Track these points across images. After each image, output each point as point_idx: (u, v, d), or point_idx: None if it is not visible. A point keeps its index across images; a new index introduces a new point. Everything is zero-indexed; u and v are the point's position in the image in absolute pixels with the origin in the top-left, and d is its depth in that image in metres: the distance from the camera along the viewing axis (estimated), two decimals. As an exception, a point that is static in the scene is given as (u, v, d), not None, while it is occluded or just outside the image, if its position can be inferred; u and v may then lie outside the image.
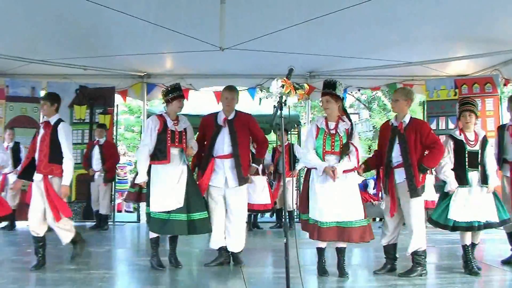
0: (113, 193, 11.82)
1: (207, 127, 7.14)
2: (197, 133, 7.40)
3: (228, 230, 6.94)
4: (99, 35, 8.91)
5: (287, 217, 5.01)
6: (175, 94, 6.88)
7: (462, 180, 6.51)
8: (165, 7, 7.57)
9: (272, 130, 13.06)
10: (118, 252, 8.54)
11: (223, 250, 7.01)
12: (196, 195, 6.75)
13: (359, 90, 12.62)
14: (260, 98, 12.74)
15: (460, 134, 6.60)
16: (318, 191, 6.21)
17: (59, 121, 6.78)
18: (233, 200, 6.90)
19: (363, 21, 8.11)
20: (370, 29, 8.53)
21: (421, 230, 6.36)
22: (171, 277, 6.41)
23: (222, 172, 6.88)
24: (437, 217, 6.59)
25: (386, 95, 23.86)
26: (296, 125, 13.30)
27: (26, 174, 6.98)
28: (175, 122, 6.83)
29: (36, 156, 6.70)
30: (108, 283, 6.19)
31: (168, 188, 6.60)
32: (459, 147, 6.56)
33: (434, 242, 8.77)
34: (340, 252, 6.35)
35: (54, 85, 11.64)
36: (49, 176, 6.61)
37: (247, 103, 13.01)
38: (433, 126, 10.98)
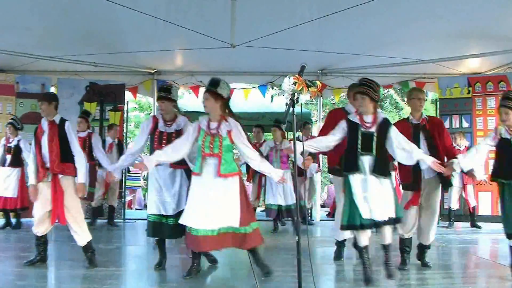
0: (123, 190, 11.80)
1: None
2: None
3: None
4: (110, 32, 8.90)
5: (298, 215, 4.92)
6: (158, 95, 6.72)
7: None
8: (176, 4, 7.55)
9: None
10: (128, 249, 8.51)
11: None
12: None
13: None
14: (272, 96, 12.70)
15: None
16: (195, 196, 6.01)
17: (63, 119, 6.78)
18: None
19: (376, 18, 8.06)
20: (382, 27, 8.48)
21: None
22: (181, 275, 6.37)
23: None
24: None
25: (398, 93, 23.69)
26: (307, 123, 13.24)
27: None
28: (169, 123, 6.55)
29: (47, 156, 6.67)
30: (118, 280, 6.16)
31: (157, 191, 6.44)
32: None
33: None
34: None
35: (64, 82, 11.67)
36: (60, 176, 6.59)
37: (258, 100, 12.99)
38: (446, 124, 10.86)
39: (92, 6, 7.64)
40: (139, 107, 25.25)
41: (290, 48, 9.15)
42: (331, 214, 12.10)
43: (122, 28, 8.75)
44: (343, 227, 6.01)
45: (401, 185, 6.94)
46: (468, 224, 10.89)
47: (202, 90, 11.97)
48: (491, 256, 7.99)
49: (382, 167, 5.84)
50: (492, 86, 11.02)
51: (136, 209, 17.11)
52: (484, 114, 11.22)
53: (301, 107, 4.89)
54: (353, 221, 5.81)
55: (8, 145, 10.03)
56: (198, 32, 8.18)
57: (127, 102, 12.48)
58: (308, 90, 4.75)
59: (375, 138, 5.82)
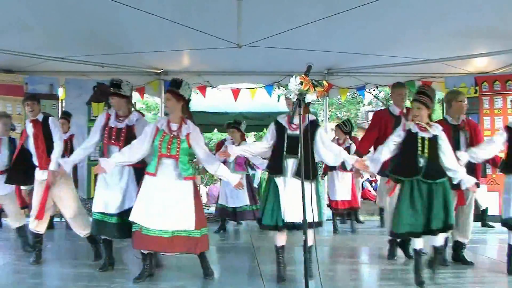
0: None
1: None
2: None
3: None
4: (116, 32, 8.92)
5: (305, 213, 4.93)
6: (111, 90, 6.55)
7: None
8: (182, 4, 7.56)
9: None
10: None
11: None
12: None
13: (377, 88, 12.50)
14: (278, 95, 12.71)
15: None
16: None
17: (46, 116, 6.98)
18: None
19: (382, 18, 8.05)
20: (388, 26, 8.46)
21: None
22: (192, 274, 6.39)
23: None
24: None
25: (404, 93, 23.64)
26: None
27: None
28: (122, 118, 6.48)
29: (34, 154, 6.76)
30: (125, 278, 6.20)
31: (104, 188, 6.34)
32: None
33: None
34: None
35: (72, 82, 11.71)
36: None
37: (264, 100, 13.00)
38: (452, 124, 10.88)
39: (99, 7, 7.65)
40: (146, 108, 25.31)
41: (296, 48, 9.16)
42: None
43: (128, 29, 8.77)
44: (263, 227, 6.07)
45: None
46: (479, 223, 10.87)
47: (209, 90, 12.06)
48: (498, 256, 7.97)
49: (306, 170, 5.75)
50: (499, 85, 11.01)
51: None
52: (491, 113, 11.20)
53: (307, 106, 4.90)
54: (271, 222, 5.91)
55: None
56: (204, 32, 8.20)
57: (135, 102, 12.49)
58: (314, 89, 4.79)
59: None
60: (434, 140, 5.96)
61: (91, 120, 11.60)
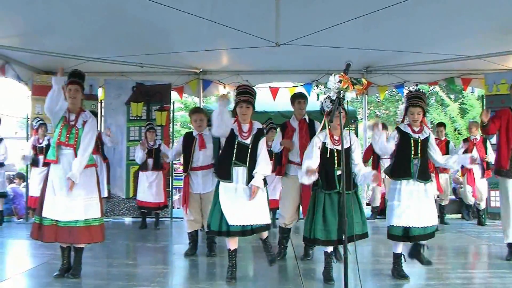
0: (170, 189, 11.89)
1: None
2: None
3: None
4: (156, 32, 8.98)
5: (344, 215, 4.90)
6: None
7: None
8: (220, 4, 7.57)
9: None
10: (175, 248, 8.57)
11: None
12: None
13: (416, 85, 12.37)
14: (317, 94, 12.65)
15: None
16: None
17: None
18: None
19: (420, 15, 7.96)
20: (427, 23, 8.36)
21: None
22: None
23: None
24: None
25: (444, 90, 23.33)
26: (353, 121, 13.13)
27: None
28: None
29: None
30: (165, 278, 6.24)
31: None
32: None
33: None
34: None
35: (112, 83, 11.86)
36: None
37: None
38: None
39: (138, 8, 7.72)
40: (184, 107, 25.44)
41: (334, 46, 9.10)
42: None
43: (167, 29, 8.83)
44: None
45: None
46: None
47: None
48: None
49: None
50: (541, 81, 10.80)
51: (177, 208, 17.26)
52: (534, 109, 10.97)
53: (347, 105, 4.88)
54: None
55: (39, 145, 10.31)
56: (243, 32, 8.20)
57: (173, 102, 12.57)
58: (353, 88, 4.74)
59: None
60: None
61: (130, 120, 11.73)
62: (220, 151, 6.27)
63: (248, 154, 5.98)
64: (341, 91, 4.69)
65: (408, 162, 6.08)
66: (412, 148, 6.09)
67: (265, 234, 6.23)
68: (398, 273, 6.12)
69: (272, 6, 7.28)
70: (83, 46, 9.83)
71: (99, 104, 12.06)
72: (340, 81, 4.68)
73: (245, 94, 6.10)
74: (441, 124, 11.69)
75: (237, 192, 5.94)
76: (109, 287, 5.86)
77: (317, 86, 12.48)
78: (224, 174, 6.01)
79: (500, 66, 11.18)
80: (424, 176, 6.09)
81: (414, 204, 6.00)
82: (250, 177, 5.93)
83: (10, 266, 6.95)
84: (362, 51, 9.78)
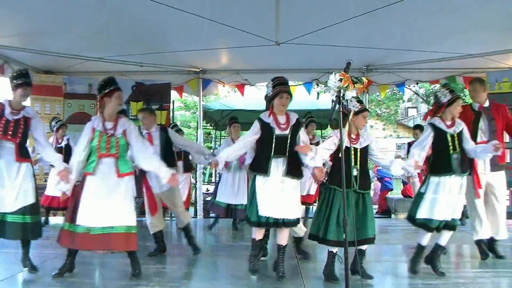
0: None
1: None
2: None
3: None
4: (155, 32, 8.98)
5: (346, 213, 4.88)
6: (20, 81, 6.06)
7: None
8: (220, 3, 7.55)
9: (330, 125, 12.95)
10: (174, 247, 8.52)
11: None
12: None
13: (417, 84, 12.36)
14: (318, 92, 12.64)
15: None
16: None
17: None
18: None
19: (420, 13, 7.96)
20: (428, 21, 8.35)
21: None
22: (230, 272, 6.38)
23: None
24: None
25: (445, 89, 23.35)
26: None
27: None
28: (16, 111, 6.07)
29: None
30: (164, 278, 6.20)
31: (1, 186, 5.99)
32: None
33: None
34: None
35: (111, 82, 11.83)
36: None
37: (303, 98, 12.95)
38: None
39: (137, 7, 7.72)
40: (184, 106, 25.46)
41: (335, 44, 9.08)
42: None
43: (167, 28, 8.82)
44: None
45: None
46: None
47: (247, 88, 12.06)
48: None
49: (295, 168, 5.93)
50: (543, 78, 10.79)
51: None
52: (536, 107, 10.97)
53: (347, 103, 4.85)
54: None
55: (58, 145, 10.25)
56: (243, 31, 8.19)
57: (173, 101, 12.57)
58: (354, 86, 4.72)
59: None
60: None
61: (130, 119, 11.68)
62: (257, 147, 6.18)
63: (288, 145, 5.88)
64: (342, 90, 4.67)
65: (448, 158, 6.08)
66: (450, 144, 6.09)
67: (285, 241, 6.08)
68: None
69: (272, 5, 7.27)
70: (82, 45, 9.83)
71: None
72: (340, 80, 4.67)
73: (285, 85, 6.05)
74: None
75: (274, 185, 5.86)
76: (108, 287, 5.84)
77: (318, 85, 12.46)
78: (261, 168, 5.93)
79: (502, 64, 11.16)
80: (463, 169, 6.11)
81: (449, 199, 6.05)
82: (288, 168, 5.86)
83: (10, 265, 6.91)
84: (363, 49, 9.77)
